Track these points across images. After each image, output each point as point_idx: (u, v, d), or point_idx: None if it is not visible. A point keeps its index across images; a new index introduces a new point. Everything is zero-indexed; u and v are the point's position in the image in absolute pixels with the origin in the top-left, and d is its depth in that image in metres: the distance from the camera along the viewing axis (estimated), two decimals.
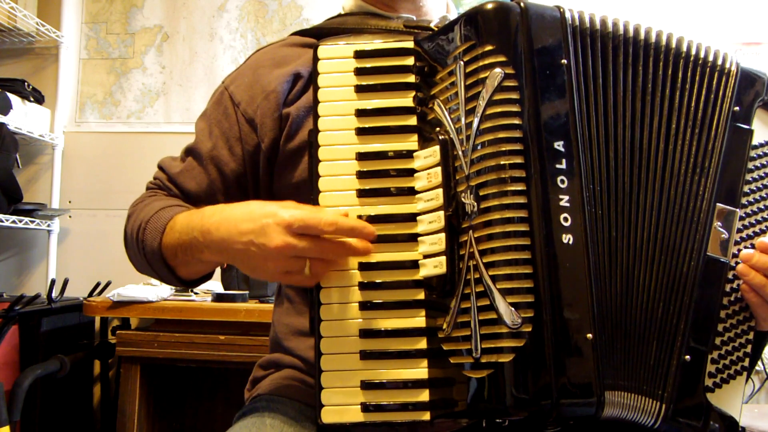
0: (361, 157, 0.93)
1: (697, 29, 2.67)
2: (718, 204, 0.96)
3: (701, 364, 0.93)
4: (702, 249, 0.94)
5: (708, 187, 0.96)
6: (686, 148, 0.96)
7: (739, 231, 0.97)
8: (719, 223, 0.95)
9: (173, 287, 2.39)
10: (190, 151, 1.19)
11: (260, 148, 1.14)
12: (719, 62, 1.00)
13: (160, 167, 1.21)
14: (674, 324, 0.92)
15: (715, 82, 0.99)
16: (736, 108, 0.99)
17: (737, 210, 0.97)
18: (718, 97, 0.99)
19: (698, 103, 0.97)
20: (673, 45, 0.97)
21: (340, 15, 1.28)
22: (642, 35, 0.96)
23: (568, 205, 0.84)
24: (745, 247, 0.97)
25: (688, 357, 0.92)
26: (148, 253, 1.08)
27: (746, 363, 0.97)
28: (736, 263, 0.96)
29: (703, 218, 0.95)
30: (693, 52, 0.98)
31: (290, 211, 0.88)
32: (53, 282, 2.55)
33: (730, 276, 0.96)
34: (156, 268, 1.09)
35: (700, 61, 0.98)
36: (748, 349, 0.97)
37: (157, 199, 1.14)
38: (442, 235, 0.87)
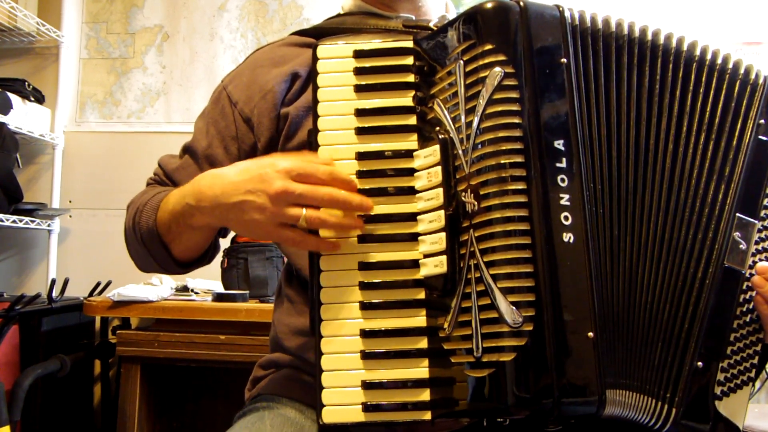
0: (361, 156, 0.93)
1: (697, 29, 2.66)
2: (737, 214, 0.96)
3: (713, 372, 0.93)
4: (720, 257, 0.94)
5: (730, 196, 0.96)
6: (700, 152, 0.96)
7: (756, 243, 0.98)
8: (738, 234, 0.95)
9: (171, 282, 2.40)
10: (187, 149, 1.21)
11: (257, 147, 1.15)
12: (741, 71, 0.99)
13: (159, 164, 1.23)
14: (686, 329, 0.92)
15: (736, 92, 0.98)
16: (762, 121, 0.99)
17: (757, 222, 0.97)
18: (741, 107, 0.98)
19: (715, 109, 0.97)
20: (684, 48, 0.97)
21: (339, 15, 1.28)
22: (649, 36, 0.95)
23: (568, 203, 0.84)
24: (761, 260, 0.97)
25: (700, 363, 0.92)
26: (144, 235, 1.09)
27: (752, 374, 0.97)
28: (751, 275, 0.96)
29: (724, 227, 0.95)
30: (708, 57, 0.98)
31: (287, 160, 0.91)
32: (53, 282, 2.55)
33: (744, 287, 0.96)
34: (152, 251, 1.10)
35: (717, 67, 0.98)
36: (756, 360, 0.97)
37: (153, 188, 1.17)
38: (443, 235, 0.87)
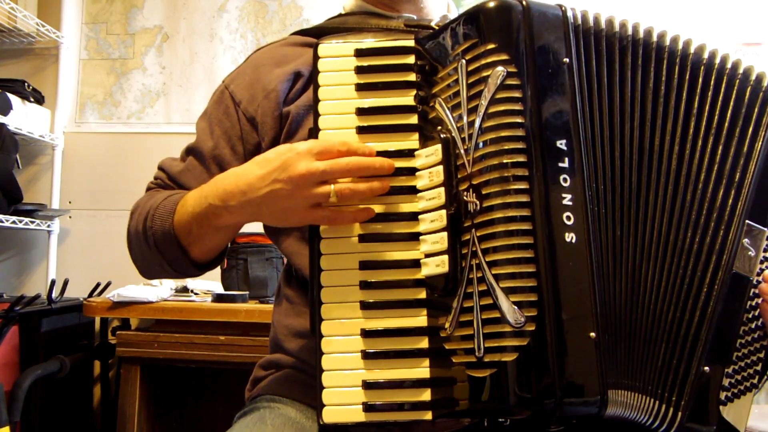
0: None
1: (697, 29, 2.67)
2: (747, 221, 0.96)
3: (719, 377, 0.93)
4: (729, 263, 0.94)
5: (740, 202, 0.96)
6: (708, 155, 0.95)
7: (765, 251, 0.98)
8: (747, 240, 0.95)
9: (171, 283, 2.40)
10: (191, 151, 1.20)
11: (261, 146, 1.14)
12: (752, 78, 0.99)
13: (161, 167, 1.22)
14: (692, 333, 0.92)
15: (747, 98, 0.98)
16: None
17: (766, 230, 0.97)
18: (752, 114, 0.98)
19: (724, 113, 0.97)
20: (691, 51, 0.97)
21: (340, 15, 1.28)
22: (654, 38, 0.95)
23: (570, 203, 0.84)
24: None
25: (707, 368, 0.92)
26: (158, 239, 1.08)
27: (756, 380, 0.97)
28: (758, 282, 0.96)
29: (733, 233, 0.95)
30: (717, 61, 0.98)
31: (304, 143, 0.91)
32: (53, 282, 2.55)
33: (751, 294, 0.96)
34: (167, 255, 1.09)
35: (727, 72, 0.98)
36: (759, 367, 0.97)
37: (160, 192, 1.15)
38: (444, 234, 0.87)
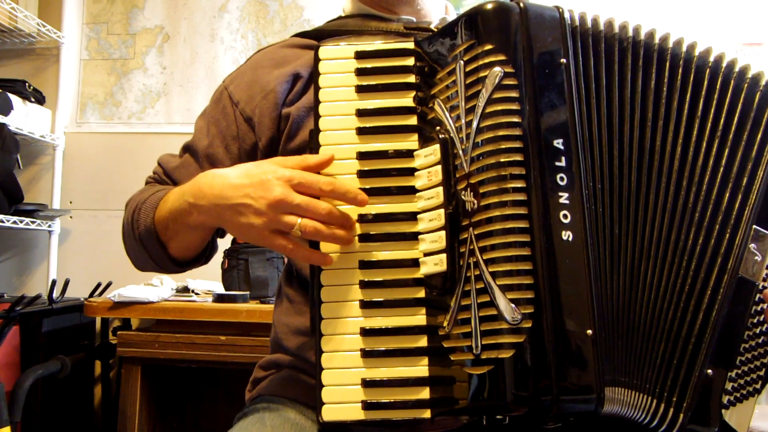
0: (362, 156, 0.93)
1: (697, 30, 2.67)
2: (754, 226, 0.96)
3: (722, 381, 0.93)
4: (735, 267, 0.94)
5: (748, 207, 0.95)
6: (712, 158, 0.95)
7: None
8: (754, 245, 0.95)
9: (172, 283, 2.40)
10: (187, 148, 1.22)
11: (258, 147, 1.16)
12: (762, 83, 0.98)
13: (159, 163, 1.24)
14: (695, 334, 0.92)
15: (756, 103, 0.97)
16: None
17: None
18: (761, 120, 0.97)
19: (730, 118, 0.96)
20: (696, 54, 0.96)
21: (340, 17, 1.29)
22: (656, 40, 0.95)
23: (567, 202, 0.85)
24: None
25: (710, 371, 0.92)
26: (142, 232, 1.10)
27: (758, 386, 0.97)
28: (764, 287, 0.96)
29: (740, 238, 0.95)
30: (723, 65, 0.97)
31: (289, 169, 0.91)
32: (54, 282, 2.55)
33: (756, 299, 0.96)
34: (149, 249, 1.11)
35: (734, 76, 0.97)
36: (762, 372, 0.97)
37: (153, 187, 1.18)
38: (443, 233, 0.88)
